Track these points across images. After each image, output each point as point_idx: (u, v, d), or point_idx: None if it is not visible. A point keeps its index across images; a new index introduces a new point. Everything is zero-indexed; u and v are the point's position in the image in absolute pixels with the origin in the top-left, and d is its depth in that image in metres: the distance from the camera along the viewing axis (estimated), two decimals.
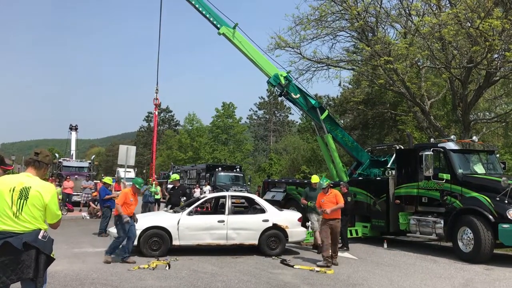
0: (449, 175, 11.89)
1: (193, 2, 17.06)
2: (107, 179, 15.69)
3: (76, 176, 26.83)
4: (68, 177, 25.13)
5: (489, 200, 10.78)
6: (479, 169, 12.39)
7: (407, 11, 18.90)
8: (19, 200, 4.00)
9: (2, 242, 3.89)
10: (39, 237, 4.00)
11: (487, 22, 14.72)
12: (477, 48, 15.70)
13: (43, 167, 4.26)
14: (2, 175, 4.56)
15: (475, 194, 11.21)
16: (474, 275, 9.43)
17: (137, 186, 10.51)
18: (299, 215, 11.95)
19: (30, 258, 3.92)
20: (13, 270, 3.88)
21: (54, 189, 4.26)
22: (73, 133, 39.98)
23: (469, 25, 15.81)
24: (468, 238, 10.90)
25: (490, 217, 10.58)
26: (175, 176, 16.61)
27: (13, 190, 4.02)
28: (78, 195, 24.50)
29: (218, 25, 16.99)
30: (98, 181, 24.11)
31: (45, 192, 4.10)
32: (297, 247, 12.35)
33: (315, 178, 12.30)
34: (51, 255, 4.11)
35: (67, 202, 22.50)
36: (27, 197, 4.02)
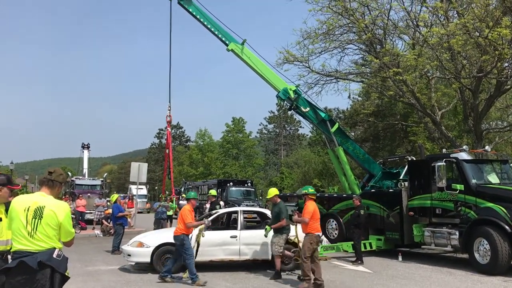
0: (463, 185, 11.75)
1: (202, 20, 17.27)
2: (113, 196, 15.83)
3: (88, 194, 26.98)
4: (80, 195, 25.28)
5: (505, 210, 10.61)
6: (493, 179, 12.24)
7: (415, 23, 18.94)
8: (33, 219, 4.03)
9: (18, 261, 3.93)
10: (54, 256, 4.03)
11: (496, 31, 14.69)
12: (487, 57, 15.64)
13: (57, 186, 4.30)
14: (10, 195, 4.63)
15: (490, 204, 11.07)
16: (492, 287, 9.26)
17: (194, 199, 10.35)
18: None
19: (45, 277, 3.94)
20: None
21: (68, 207, 4.30)
22: (85, 151, 40.32)
23: (478, 34, 15.78)
24: (485, 250, 10.73)
25: (507, 227, 10.41)
26: (213, 192, 16.84)
27: (28, 210, 4.06)
28: (91, 213, 24.64)
29: (227, 42, 17.16)
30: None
31: (59, 211, 4.14)
32: None
33: (272, 191, 10.70)
34: (66, 274, 4.13)
35: (80, 220, 22.61)
36: (42, 217, 4.05)
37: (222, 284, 9.30)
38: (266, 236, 10.30)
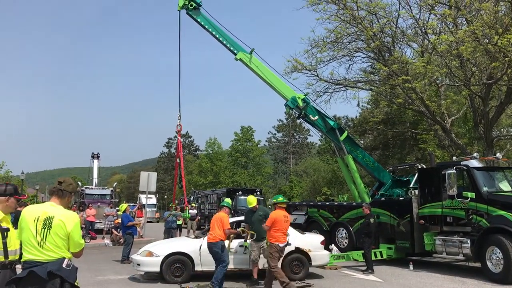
0: (474, 193, 11.63)
1: (210, 30, 17.41)
2: (122, 206, 15.90)
3: (98, 203, 27.11)
4: (90, 204, 25.42)
5: None
6: (505, 186, 12.10)
7: (423, 30, 18.91)
8: (43, 229, 4.07)
9: (28, 271, 3.96)
10: (63, 265, 4.05)
11: (505, 38, 14.61)
12: (497, 64, 15.54)
13: (66, 196, 4.33)
14: (16, 205, 4.67)
15: (502, 212, 10.94)
16: None
17: (229, 207, 10.37)
18: (321, 238, 11.81)
19: (54, 287, 3.96)
20: None
21: (78, 218, 4.31)
22: (95, 161, 40.66)
23: (487, 41, 15.70)
24: (497, 258, 10.59)
25: None
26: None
27: (37, 220, 4.10)
28: (101, 222, 24.75)
29: (235, 51, 17.25)
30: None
31: (68, 221, 4.15)
32: (321, 271, 12.16)
33: (251, 200, 10.86)
34: (75, 284, 4.14)
35: (90, 229, 22.69)
36: (51, 226, 4.08)
37: None
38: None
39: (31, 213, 4.16)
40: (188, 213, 20.29)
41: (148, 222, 25.70)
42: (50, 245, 4.05)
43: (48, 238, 4.05)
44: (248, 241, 10.46)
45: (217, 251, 9.38)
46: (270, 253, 9.19)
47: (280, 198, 9.90)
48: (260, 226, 9.98)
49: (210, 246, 9.47)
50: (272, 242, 9.22)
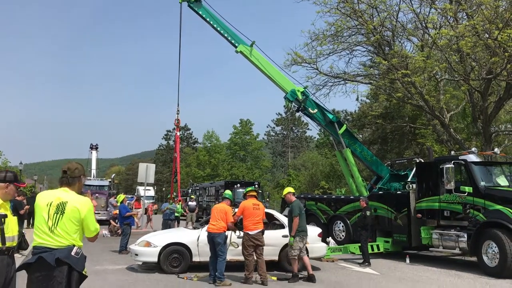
0: (471, 187, 11.68)
1: (211, 22, 17.35)
2: (120, 197, 15.92)
3: (96, 194, 27.10)
4: (92, 195, 25.42)
5: None
6: (502, 181, 12.16)
7: (424, 24, 18.87)
8: (55, 214, 4.04)
9: (37, 257, 3.94)
10: (72, 253, 4.02)
11: (505, 33, 14.60)
12: (496, 59, 15.54)
13: (76, 181, 4.27)
14: (15, 192, 4.67)
15: (498, 207, 10.99)
16: None
17: (230, 199, 10.28)
18: (319, 230, 11.85)
19: (62, 275, 3.94)
20: (46, 286, 3.92)
21: (91, 203, 4.27)
22: (94, 152, 40.59)
23: (487, 36, 15.68)
24: (493, 252, 10.65)
25: None
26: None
27: (50, 205, 4.07)
28: (99, 213, 24.81)
29: (236, 44, 17.21)
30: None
31: (82, 206, 4.13)
32: (318, 263, 12.20)
33: (286, 189, 10.94)
34: (83, 272, 4.13)
35: None
36: (64, 212, 4.05)
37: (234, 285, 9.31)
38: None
39: (44, 198, 4.15)
40: (181, 209, 20.37)
41: (145, 214, 25.72)
42: (61, 231, 4.03)
43: (60, 223, 4.03)
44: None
45: (220, 242, 9.42)
46: (243, 242, 9.47)
47: (249, 188, 10.21)
48: (290, 221, 10.02)
49: (213, 236, 9.46)
50: (244, 231, 9.49)
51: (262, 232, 9.62)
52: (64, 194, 4.16)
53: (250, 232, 9.43)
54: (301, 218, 9.91)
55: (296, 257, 9.83)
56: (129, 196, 30.28)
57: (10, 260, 4.42)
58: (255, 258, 9.50)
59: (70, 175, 4.25)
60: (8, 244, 4.41)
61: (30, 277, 4.00)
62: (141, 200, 24.13)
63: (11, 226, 4.48)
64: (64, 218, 4.04)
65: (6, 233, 4.40)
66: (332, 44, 20.80)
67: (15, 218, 4.59)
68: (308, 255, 11.01)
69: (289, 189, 10.70)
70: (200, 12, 17.36)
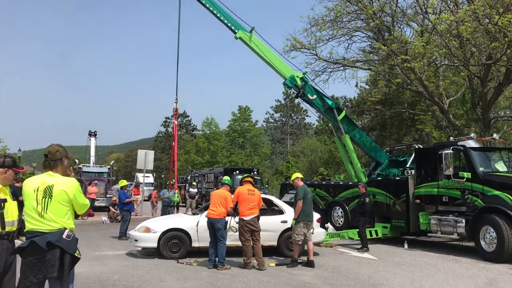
0: (470, 173, 11.70)
1: (211, 9, 17.19)
2: (122, 182, 15.86)
3: (95, 181, 27.14)
4: (92, 182, 25.47)
5: None
6: (501, 167, 12.17)
7: (424, 9, 18.76)
8: (43, 199, 4.11)
9: (29, 241, 4.04)
10: (63, 236, 4.10)
11: (506, 18, 14.52)
12: (496, 44, 15.47)
13: (58, 164, 4.31)
14: (14, 177, 4.70)
15: (497, 192, 11.02)
16: (498, 274, 9.26)
17: (229, 184, 10.28)
18: (317, 216, 11.89)
19: (54, 257, 4.02)
20: (39, 269, 4.01)
21: (77, 182, 4.33)
22: (92, 139, 40.47)
23: (488, 21, 15.59)
24: (491, 237, 10.71)
25: None
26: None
27: (37, 190, 4.14)
28: (98, 200, 24.90)
29: (235, 30, 17.08)
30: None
31: (68, 187, 4.20)
32: (317, 249, 12.27)
33: (294, 175, 10.96)
34: (76, 255, 4.19)
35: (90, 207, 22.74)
36: (51, 195, 4.12)
37: (232, 269, 9.37)
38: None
39: (30, 184, 4.21)
40: (177, 198, 20.56)
41: (145, 200, 25.80)
42: (52, 215, 4.10)
43: (50, 207, 4.10)
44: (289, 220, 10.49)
45: (221, 227, 9.47)
46: (239, 228, 9.59)
47: (245, 175, 10.38)
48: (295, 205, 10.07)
49: (214, 222, 9.50)
50: (239, 217, 9.59)
51: (258, 218, 9.68)
52: (49, 178, 4.21)
53: (245, 218, 9.50)
54: (306, 202, 9.94)
55: (299, 243, 9.87)
56: (129, 183, 30.34)
57: (10, 245, 4.46)
58: (252, 243, 9.56)
59: (51, 158, 4.29)
60: (8, 228, 4.44)
61: (23, 261, 4.09)
62: (140, 187, 24.20)
63: (11, 211, 4.51)
64: (52, 201, 4.11)
65: (5, 218, 4.43)
66: (331, 29, 20.68)
67: (15, 203, 4.62)
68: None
69: (297, 175, 10.79)
70: None
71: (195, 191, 25.24)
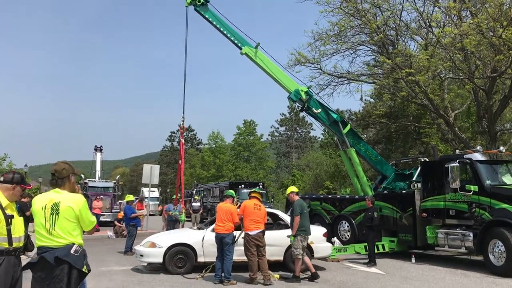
0: (477, 186, 11.62)
1: (217, 26, 17.32)
2: (128, 197, 15.87)
3: (101, 196, 27.17)
4: (97, 197, 25.49)
5: None
6: (508, 180, 12.08)
7: (428, 23, 18.81)
8: (51, 216, 4.19)
9: (39, 257, 4.12)
10: (71, 251, 4.16)
11: (510, 31, 14.55)
12: (501, 57, 15.48)
13: (65, 182, 4.38)
14: (22, 193, 4.77)
15: (504, 205, 10.93)
16: None
17: (233, 197, 10.40)
18: (324, 230, 11.84)
19: (63, 273, 4.08)
20: (48, 284, 4.08)
21: (83, 199, 4.39)
22: (98, 154, 40.59)
23: (492, 34, 15.62)
24: (500, 251, 10.60)
25: None
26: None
27: (45, 208, 4.22)
28: (104, 215, 24.89)
29: (241, 46, 17.21)
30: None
31: (75, 204, 4.26)
32: (323, 263, 12.19)
33: (289, 189, 10.92)
34: (83, 270, 4.22)
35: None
36: (58, 212, 4.19)
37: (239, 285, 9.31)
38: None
39: (38, 202, 4.29)
40: (184, 217, 20.49)
41: (150, 215, 25.75)
42: (60, 231, 4.17)
43: (57, 224, 4.17)
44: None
45: (229, 242, 9.47)
46: (244, 243, 9.54)
47: (254, 189, 10.65)
48: (292, 220, 10.03)
49: (222, 237, 9.47)
50: (245, 231, 9.57)
51: (263, 233, 9.63)
52: (56, 195, 4.30)
53: (250, 233, 9.47)
54: (303, 217, 9.86)
55: (300, 257, 9.79)
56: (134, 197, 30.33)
57: (17, 261, 4.48)
58: (260, 257, 9.50)
59: (58, 176, 4.37)
60: (15, 244, 4.46)
61: (33, 276, 4.16)
62: (144, 201, 24.16)
63: (18, 226, 4.54)
64: (59, 218, 4.19)
65: (13, 234, 4.45)
66: (335, 43, 20.80)
67: (21, 218, 4.66)
68: (313, 255, 11.04)
69: (291, 189, 10.67)
70: (207, 16, 17.34)
71: (198, 205, 25.14)
